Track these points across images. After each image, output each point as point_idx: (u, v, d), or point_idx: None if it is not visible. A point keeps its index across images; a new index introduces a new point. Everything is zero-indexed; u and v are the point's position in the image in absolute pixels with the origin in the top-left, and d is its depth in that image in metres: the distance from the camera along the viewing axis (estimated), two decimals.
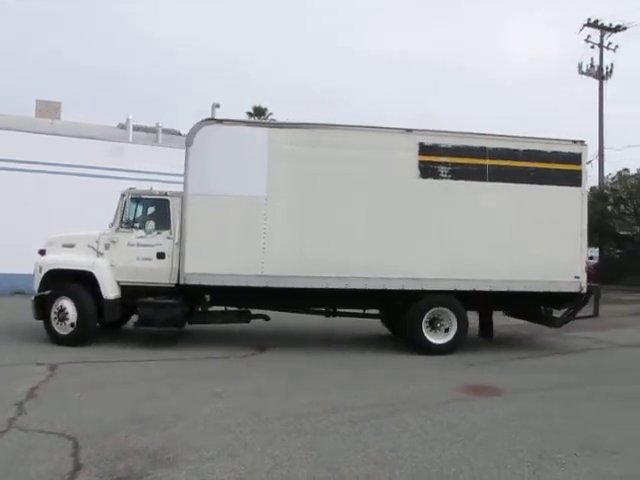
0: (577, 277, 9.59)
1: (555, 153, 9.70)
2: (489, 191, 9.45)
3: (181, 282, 8.96)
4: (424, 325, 9.34)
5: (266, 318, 9.71)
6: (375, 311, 10.26)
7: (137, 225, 9.29)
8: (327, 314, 9.93)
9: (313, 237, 9.07)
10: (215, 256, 8.89)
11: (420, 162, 9.34)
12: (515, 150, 9.60)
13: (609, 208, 26.63)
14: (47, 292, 8.98)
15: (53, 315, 8.96)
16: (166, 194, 9.43)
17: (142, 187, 9.81)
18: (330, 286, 8.98)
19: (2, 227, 16.88)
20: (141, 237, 9.18)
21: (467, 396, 6.74)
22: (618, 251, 29.19)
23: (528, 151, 9.62)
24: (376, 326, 10.98)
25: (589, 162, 12.76)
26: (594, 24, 26.82)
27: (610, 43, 26.99)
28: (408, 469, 4.37)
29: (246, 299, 9.29)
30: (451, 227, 9.35)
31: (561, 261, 9.57)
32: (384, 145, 9.34)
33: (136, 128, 21.86)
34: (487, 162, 9.47)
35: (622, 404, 6.66)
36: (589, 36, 26.99)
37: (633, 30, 29.23)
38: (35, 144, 17.84)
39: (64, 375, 7.18)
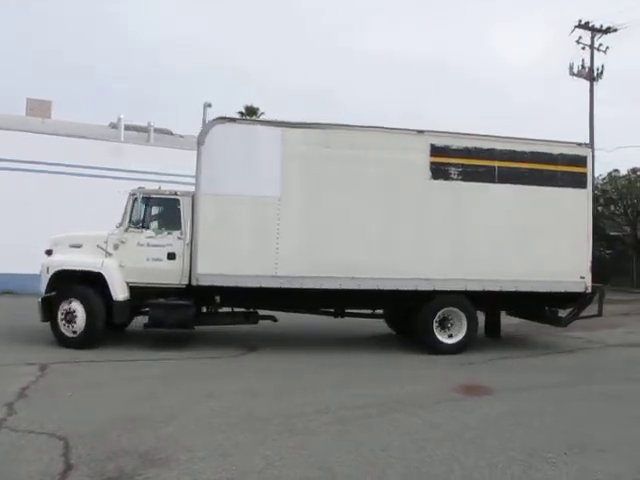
0: (582, 277, 9.76)
1: (561, 155, 9.85)
2: (498, 192, 9.56)
3: (193, 283, 8.81)
4: (435, 325, 9.42)
5: (274, 319, 9.61)
6: (379, 311, 10.29)
7: (147, 225, 9.13)
8: (336, 315, 9.94)
9: (326, 238, 9.05)
10: (228, 257, 8.79)
11: (431, 163, 9.41)
12: (523, 152, 9.74)
13: (599, 209, 26.81)
14: (52, 293, 8.75)
15: (60, 317, 8.73)
16: (176, 193, 9.28)
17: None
18: (343, 287, 8.98)
19: None
20: (151, 237, 9.03)
21: (458, 395, 6.78)
22: (608, 251, 29.41)
23: (535, 153, 9.76)
24: (371, 326, 11.02)
25: None
26: (585, 26, 26.96)
27: (601, 45, 27.15)
28: (399, 468, 4.39)
29: (256, 300, 9.20)
30: (461, 228, 9.44)
31: (567, 262, 9.72)
32: (397, 146, 9.38)
33: (128, 127, 21.79)
34: (496, 164, 9.60)
35: (612, 403, 6.71)
36: (580, 37, 27.14)
37: (623, 32, 29.54)
38: (29, 143, 17.77)
39: (55, 375, 7.14)
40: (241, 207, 8.91)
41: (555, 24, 69.71)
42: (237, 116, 41.64)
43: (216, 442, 4.81)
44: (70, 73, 71.77)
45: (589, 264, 9.90)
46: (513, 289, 9.46)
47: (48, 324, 8.88)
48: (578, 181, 9.89)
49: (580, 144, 10.16)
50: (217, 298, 9.08)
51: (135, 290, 8.90)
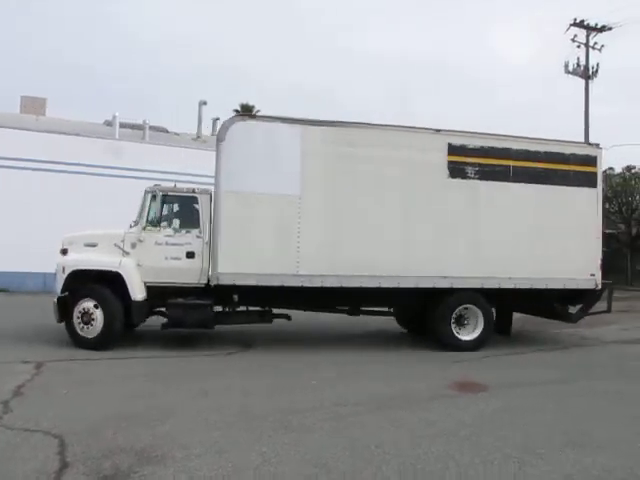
0: (593, 274, 10.03)
1: (573, 155, 10.07)
2: (513, 191, 9.71)
3: (213, 282, 8.71)
4: (452, 322, 9.52)
5: (288, 318, 9.56)
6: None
7: (165, 223, 8.97)
8: (350, 313, 9.98)
9: (347, 236, 9.06)
10: (249, 255, 8.73)
11: (449, 162, 9.51)
12: (537, 152, 9.90)
13: None
14: (65, 294, 8.55)
15: (76, 318, 8.54)
16: (194, 191, 9.17)
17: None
18: (364, 285, 9.00)
19: None
20: (169, 236, 8.88)
21: (453, 392, 6.80)
22: (603, 249, 29.49)
23: (548, 153, 9.94)
24: (365, 324, 11.02)
25: None
26: (580, 24, 27.00)
27: (596, 43, 27.21)
28: (394, 465, 4.40)
29: (274, 299, 9.15)
30: (478, 226, 9.57)
31: (579, 259, 9.94)
32: (416, 145, 9.44)
33: (123, 125, 21.73)
34: (511, 163, 9.75)
35: (607, 400, 6.74)
36: (575, 36, 27.18)
37: (618, 30, 29.56)
38: (22, 140, 17.71)
39: (50, 373, 7.13)
40: (262, 205, 8.83)
41: (554, 23, 69.96)
42: (233, 114, 41.37)
43: (212, 439, 4.81)
44: (70, 73, 71.71)
45: (599, 261, 10.18)
46: (528, 286, 9.65)
47: (46, 323, 8.87)
48: (589, 180, 10.12)
49: (591, 144, 10.46)
50: (235, 297, 8.98)
51: (152, 290, 8.74)
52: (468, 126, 9.78)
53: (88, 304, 8.54)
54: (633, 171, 30.13)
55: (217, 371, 7.62)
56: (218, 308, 9.25)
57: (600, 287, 10.15)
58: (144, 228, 8.85)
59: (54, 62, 73.93)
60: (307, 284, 8.83)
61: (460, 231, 9.46)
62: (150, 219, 8.88)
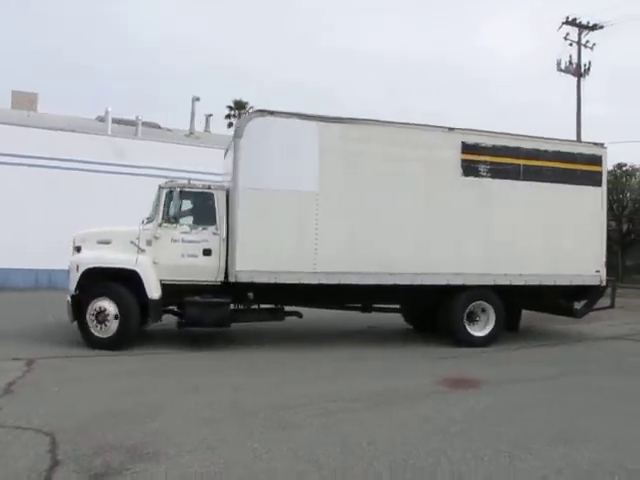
0: (598, 271, 10.36)
1: (580, 154, 10.38)
2: (523, 190, 9.92)
3: (231, 280, 8.63)
4: (465, 318, 9.67)
5: (299, 315, 9.54)
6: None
7: (181, 220, 8.81)
8: (363, 310, 10.07)
9: (364, 233, 9.11)
10: (267, 253, 8.69)
11: (463, 161, 9.65)
12: (546, 151, 10.13)
13: None
14: (75, 292, 8.37)
15: (90, 317, 8.34)
16: (209, 187, 9.07)
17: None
18: (381, 282, 9.05)
19: None
20: (186, 233, 8.72)
21: (445, 389, 6.83)
22: None
23: (557, 152, 10.20)
24: (358, 320, 11.05)
25: None
26: (572, 22, 27.09)
27: (588, 41, 27.33)
28: (386, 461, 4.42)
29: (289, 296, 9.15)
30: (490, 224, 9.74)
31: (585, 256, 10.26)
32: (431, 143, 9.53)
33: (115, 121, 21.61)
34: (521, 162, 9.98)
35: (599, 395, 6.79)
36: (568, 34, 27.26)
37: (610, 29, 29.67)
38: (15, 136, 17.62)
39: (41, 370, 7.10)
40: (280, 202, 8.81)
41: (552, 21, 70.04)
42: (227, 111, 41.20)
43: (203, 436, 4.81)
44: (68, 71, 71.32)
45: (604, 258, 10.47)
46: (537, 283, 9.87)
47: (36, 319, 8.80)
48: (594, 179, 10.43)
49: (596, 144, 10.67)
50: (250, 295, 8.90)
51: (166, 288, 8.55)
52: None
53: (102, 303, 8.34)
54: (624, 168, 30.32)
55: (210, 368, 7.61)
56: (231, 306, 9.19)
57: (605, 283, 10.46)
58: (160, 225, 8.66)
59: (53, 61, 73.85)
60: (325, 281, 8.85)
61: (473, 229, 9.63)
62: (166, 215, 8.71)
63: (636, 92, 56.59)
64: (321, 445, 4.69)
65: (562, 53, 28.68)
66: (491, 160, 9.76)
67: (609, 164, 29.19)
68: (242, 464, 4.26)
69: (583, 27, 27.17)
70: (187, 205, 9.11)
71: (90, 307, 8.33)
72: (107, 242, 8.72)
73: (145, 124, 22.50)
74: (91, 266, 8.37)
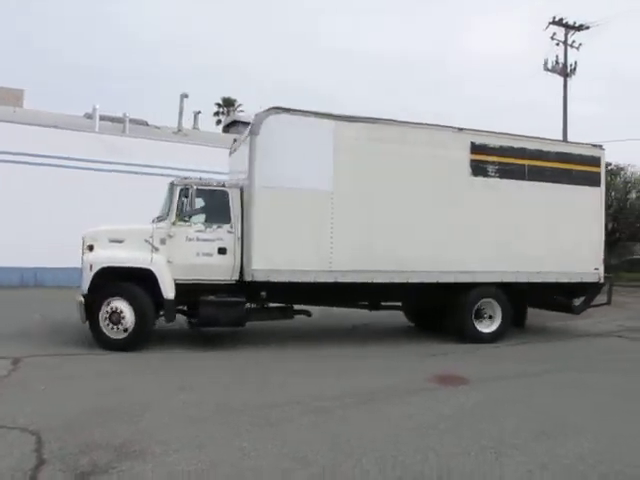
0: (596, 269, 10.73)
1: (580, 156, 10.69)
2: (528, 190, 10.18)
3: (247, 279, 8.55)
4: (473, 315, 9.88)
5: (308, 314, 9.51)
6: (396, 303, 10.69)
7: (195, 218, 8.64)
8: (371, 308, 10.16)
9: (377, 232, 9.18)
10: (282, 251, 8.65)
11: (472, 160, 9.85)
12: (548, 152, 10.44)
13: None
14: (84, 292, 8.13)
15: (103, 317, 8.13)
16: (224, 185, 8.95)
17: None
18: (394, 281, 9.15)
19: None
20: (200, 231, 8.56)
21: (434, 386, 6.86)
22: None
23: (559, 153, 10.53)
24: (349, 317, 11.07)
25: None
26: (559, 22, 27.31)
27: (574, 41, 27.56)
28: (374, 458, 4.43)
29: (300, 294, 9.14)
30: (497, 223, 9.93)
31: (585, 254, 10.59)
32: (442, 143, 9.69)
33: (103, 118, 21.41)
34: (526, 162, 10.22)
35: (583, 391, 6.87)
36: (554, 34, 27.49)
37: (595, 30, 29.90)
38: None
39: (28, 369, 7.02)
40: (296, 201, 8.77)
41: (536, 20, 70.47)
42: (215, 108, 40.89)
43: (190, 434, 4.79)
44: (70, 72, 70.61)
45: (602, 256, 10.79)
46: (540, 280, 10.19)
47: (22, 318, 8.66)
48: (593, 180, 10.78)
49: (595, 146, 11.13)
50: (263, 294, 8.85)
51: (180, 287, 8.37)
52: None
53: (116, 303, 8.15)
54: (609, 168, 30.55)
55: (196, 367, 7.56)
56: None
57: (602, 281, 10.82)
58: (174, 223, 8.50)
59: (54, 61, 73.19)
60: (340, 280, 8.89)
61: (482, 228, 9.82)
62: (180, 213, 8.54)
63: (623, 92, 57.25)
64: (309, 442, 4.69)
65: (549, 53, 28.87)
66: (498, 160, 10.01)
67: None
68: (229, 462, 4.25)
69: (570, 27, 27.39)
70: (200, 203, 8.92)
71: (103, 307, 8.15)
72: (119, 241, 8.49)
73: (133, 121, 22.29)
74: (105, 265, 8.16)
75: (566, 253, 10.29)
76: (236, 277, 8.69)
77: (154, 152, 19.29)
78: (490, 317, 10.07)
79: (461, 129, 9.87)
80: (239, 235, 8.68)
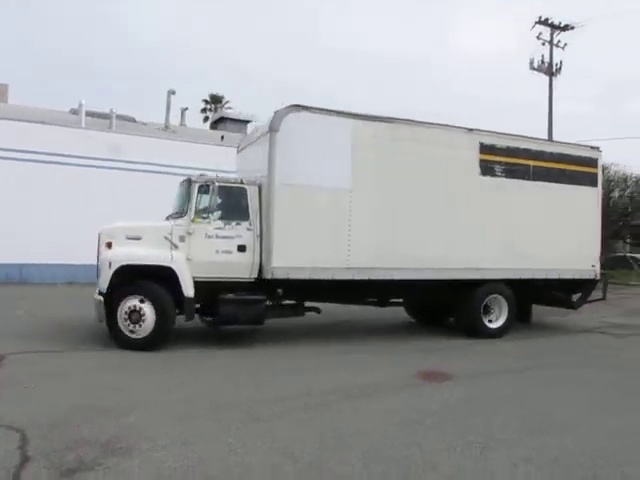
0: (593, 266, 11.17)
1: (579, 157, 11.07)
2: (533, 189, 10.53)
3: (267, 276, 8.51)
4: (482, 311, 10.17)
5: (318, 311, 9.51)
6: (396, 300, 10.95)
7: (214, 215, 8.51)
8: (380, 304, 10.35)
9: (393, 230, 9.33)
10: (302, 249, 8.66)
11: (481, 160, 10.12)
12: (551, 153, 10.83)
13: None
14: (103, 292, 7.95)
15: (122, 317, 7.96)
16: (242, 182, 8.87)
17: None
18: (409, 277, 9.30)
19: None
20: (219, 228, 8.46)
21: (420, 382, 6.91)
22: None
23: (561, 154, 10.90)
24: (337, 314, 11.09)
25: None
26: (545, 22, 27.54)
27: (559, 41, 27.81)
28: (360, 453, 4.46)
29: (317, 292, 9.18)
30: (504, 222, 10.21)
31: (583, 251, 11.01)
32: (455, 143, 9.91)
33: (89, 114, 21.20)
34: (531, 163, 10.53)
35: (569, 387, 6.96)
36: (540, 33, 27.73)
37: (580, 30, 30.13)
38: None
39: (14, 366, 6.95)
40: (316, 198, 8.81)
41: (525, 20, 70.94)
42: (202, 104, 40.64)
43: (178, 431, 4.78)
44: (70, 71, 69.85)
45: (599, 254, 11.19)
46: (543, 277, 10.56)
47: (5, 314, 8.54)
48: (592, 180, 11.22)
49: (593, 147, 11.55)
50: (279, 291, 8.89)
51: (199, 285, 8.23)
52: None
53: (135, 302, 7.99)
54: None
55: (185, 365, 7.52)
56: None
57: (599, 277, 11.29)
58: (193, 220, 8.38)
59: (53, 61, 72.40)
60: (357, 277, 8.98)
61: (491, 227, 10.10)
62: (199, 210, 8.44)
63: (607, 91, 57.86)
64: (297, 438, 4.71)
65: (535, 52, 29.12)
66: (505, 161, 10.29)
67: None
68: (217, 458, 4.26)
69: (555, 27, 27.64)
70: (220, 200, 8.77)
71: (122, 306, 7.98)
72: (137, 238, 8.33)
73: (119, 117, 22.11)
74: (125, 263, 7.96)
75: (567, 250, 10.64)
76: (255, 275, 8.62)
77: (141, 148, 19.14)
78: (497, 313, 10.38)
79: (471, 129, 10.10)
80: (258, 232, 8.65)
